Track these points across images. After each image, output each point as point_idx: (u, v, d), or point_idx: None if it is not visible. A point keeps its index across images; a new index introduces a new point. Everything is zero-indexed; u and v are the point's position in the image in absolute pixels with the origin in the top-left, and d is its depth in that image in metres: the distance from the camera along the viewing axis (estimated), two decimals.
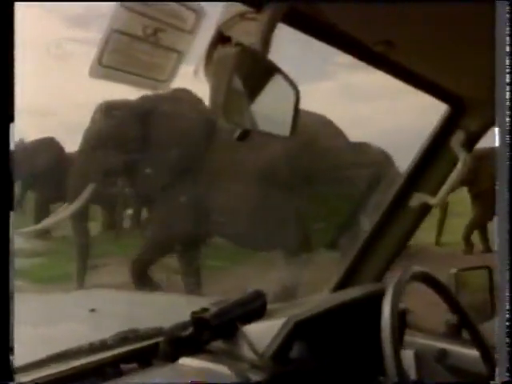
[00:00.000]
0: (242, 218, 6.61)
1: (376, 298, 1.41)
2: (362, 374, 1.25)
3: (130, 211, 9.48)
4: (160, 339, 1.20)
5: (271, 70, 0.75)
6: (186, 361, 1.11)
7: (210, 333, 1.15)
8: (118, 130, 6.73)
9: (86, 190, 6.58)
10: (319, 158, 7.00)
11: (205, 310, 1.18)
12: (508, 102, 0.72)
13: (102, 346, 1.18)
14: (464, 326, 1.34)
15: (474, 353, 1.32)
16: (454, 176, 1.54)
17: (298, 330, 1.12)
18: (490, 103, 1.47)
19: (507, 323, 0.70)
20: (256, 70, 0.72)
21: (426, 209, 1.64)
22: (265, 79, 0.74)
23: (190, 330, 1.17)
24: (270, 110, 0.79)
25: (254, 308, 1.23)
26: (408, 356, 1.12)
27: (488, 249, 9.73)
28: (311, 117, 6.85)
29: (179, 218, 6.54)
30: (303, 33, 0.90)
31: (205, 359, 1.11)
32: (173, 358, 1.14)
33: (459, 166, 1.52)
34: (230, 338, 1.14)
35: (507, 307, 0.71)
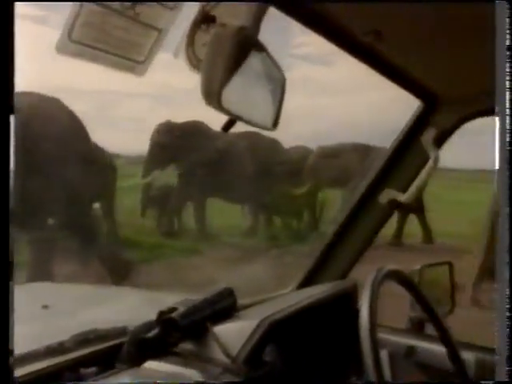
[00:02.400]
0: None
1: (347, 296, 1.39)
2: (335, 374, 1.22)
3: None
4: (124, 340, 1.12)
5: (262, 55, 0.69)
6: (152, 364, 1.04)
7: (178, 334, 1.08)
8: None
9: None
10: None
11: (173, 309, 1.11)
12: (508, 103, 0.71)
13: (60, 348, 1.10)
14: (432, 322, 1.34)
15: (440, 349, 1.33)
16: (424, 173, 1.53)
17: (272, 332, 1.08)
18: (463, 101, 1.50)
19: (507, 323, 0.70)
20: (249, 54, 0.66)
21: (395, 206, 1.64)
22: (256, 64, 0.68)
23: (157, 330, 1.10)
24: (258, 98, 0.73)
25: (224, 306, 1.18)
26: (382, 356, 1.10)
27: (429, 239, 10.05)
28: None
29: None
30: (293, 19, 0.85)
31: (173, 362, 1.04)
32: (138, 360, 1.06)
33: (429, 163, 1.52)
34: (200, 339, 1.08)
35: (507, 307, 0.70)
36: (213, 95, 0.62)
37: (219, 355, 1.03)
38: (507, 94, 0.71)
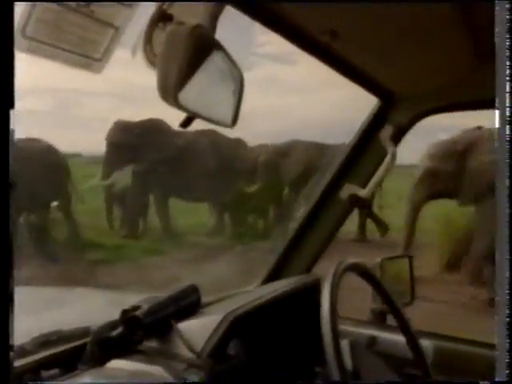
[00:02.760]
0: None
1: (310, 290, 1.41)
2: (299, 366, 1.25)
3: None
4: (87, 341, 1.11)
5: (219, 53, 0.70)
6: (116, 363, 1.03)
7: (142, 332, 1.08)
8: None
9: None
10: None
11: (136, 307, 1.10)
12: (508, 106, 0.71)
13: (20, 351, 1.07)
14: (392, 313, 1.38)
15: (400, 338, 1.37)
16: (382, 168, 1.58)
17: (236, 326, 1.09)
18: (418, 98, 1.55)
19: (507, 323, 0.71)
20: (205, 52, 0.66)
21: (356, 200, 1.68)
22: (213, 62, 0.69)
23: (120, 329, 1.09)
24: (215, 95, 0.74)
25: (189, 303, 1.18)
26: (344, 345, 1.13)
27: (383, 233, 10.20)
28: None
29: None
30: (250, 18, 0.86)
31: (137, 360, 1.04)
32: (101, 360, 1.05)
33: (387, 158, 1.57)
34: (164, 336, 1.08)
35: (507, 307, 0.71)
36: (168, 92, 0.63)
37: (184, 351, 1.03)
38: (507, 96, 0.71)
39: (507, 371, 0.71)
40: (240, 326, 1.12)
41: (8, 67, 0.66)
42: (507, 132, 0.71)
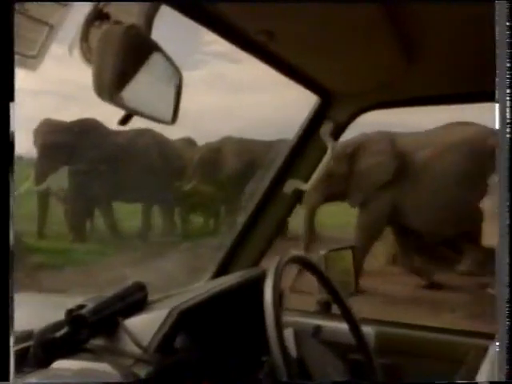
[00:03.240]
0: None
1: (255, 282, 1.45)
2: (246, 356, 1.28)
3: None
4: (30, 343, 1.09)
5: (155, 52, 0.72)
6: (61, 363, 1.02)
7: (87, 330, 1.07)
8: None
9: None
10: None
11: (81, 306, 1.10)
12: (508, 106, 0.71)
13: None
14: (336, 302, 1.44)
15: (344, 326, 1.43)
16: (323, 163, 1.64)
17: (182, 320, 1.11)
18: (355, 96, 1.62)
19: (507, 323, 0.71)
20: (141, 51, 0.68)
21: (298, 194, 1.73)
22: (149, 61, 0.70)
23: (65, 329, 1.08)
24: (154, 93, 0.76)
25: (135, 300, 1.18)
26: (288, 334, 1.17)
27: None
28: None
29: None
30: (187, 17, 0.88)
31: (84, 359, 1.03)
32: (46, 362, 1.04)
33: (328, 153, 1.63)
34: (111, 333, 1.08)
35: (507, 307, 0.71)
36: (103, 90, 0.64)
37: (131, 347, 1.03)
38: (507, 99, 0.71)
39: (507, 371, 0.71)
40: (187, 320, 1.13)
41: (8, 61, 0.66)
42: (507, 131, 0.71)
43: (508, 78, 0.71)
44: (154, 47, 0.71)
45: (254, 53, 1.17)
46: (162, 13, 0.85)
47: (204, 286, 1.54)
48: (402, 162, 6.71)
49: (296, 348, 1.16)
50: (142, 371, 0.98)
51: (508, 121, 0.71)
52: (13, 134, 0.70)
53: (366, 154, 6.89)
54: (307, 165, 1.70)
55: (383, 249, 7.75)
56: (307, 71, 1.40)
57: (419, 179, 6.57)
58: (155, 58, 0.72)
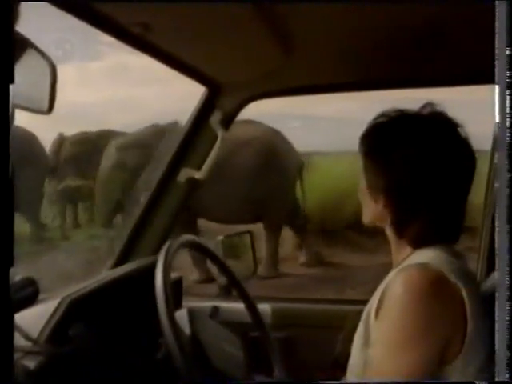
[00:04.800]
0: None
1: (150, 269, 1.48)
2: (144, 341, 1.30)
3: None
4: None
5: (24, 45, 0.72)
6: None
7: None
8: None
9: None
10: None
11: None
12: (508, 107, 0.72)
13: None
14: (232, 285, 1.51)
15: (240, 306, 1.50)
16: (214, 151, 1.70)
17: (75, 309, 1.11)
18: (241, 86, 1.69)
19: (507, 323, 0.71)
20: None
21: (193, 183, 1.78)
22: (19, 54, 0.71)
23: None
24: (28, 85, 0.76)
25: (25, 296, 1.16)
26: (182, 315, 1.21)
27: None
28: None
29: None
30: (59, 9, 0.88)
31: None
32: None
33: (218, 142, 1.69)
34: None
35: (507, 307, 0.71)
36: None
37: (20, 341, 1.02)
38: (507, 99, 0.71)
39: (507, 371, 0.72)
40: (80, 309, 1.14)
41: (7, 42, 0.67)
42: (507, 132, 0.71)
43: (508, 78, 0.71)
44: (24, 41, 0.71)
45: (136, 45, 1.18)
46: None
47: (98, 277, 1.54)
48: None
49: (190, 327, 1.20)
50: (32, 363, 0.98)
51: (508, 124, 0.71)
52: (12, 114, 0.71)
53: None
54: (199, 153, 1.74)
55: (289, 236, 8.08)
56: (192, 62, 1.44)
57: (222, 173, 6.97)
58: (26, 52, 0.72)
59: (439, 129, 1.07)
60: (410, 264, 1.00)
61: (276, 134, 7.53)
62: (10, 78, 0.71)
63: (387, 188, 1.07)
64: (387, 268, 1.18)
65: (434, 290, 0.93)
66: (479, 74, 1.21)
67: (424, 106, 1.11)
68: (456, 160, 1.05)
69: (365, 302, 1.73)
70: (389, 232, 1.13)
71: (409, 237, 1.08)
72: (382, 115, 1.12)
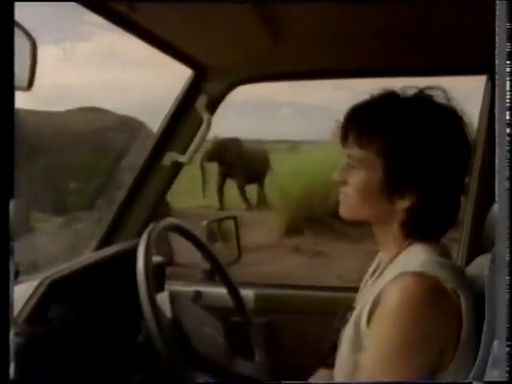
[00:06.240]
0: None
1: (132, 252, 1.47)
2: (124, 324, 1.30)
3: None
4: None
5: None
6: None
7: None
8: None
9: None
10: None
11: None
12: (508, 107, 0.71)
13: None
14: (215, 270, 1.50)
15: (223, 291, 1.51)
16: (199, 135, 1.69)
17: (55, 290, 1.10)
18: (227, 70, 1.67)
19: (507, 323, 0.71)
20: None
21: (177, 166, 1.77)
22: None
23: None
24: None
25: None
26: (163, 297, 1.21)
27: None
28: None
29: None
30: None
31: None
32: None
33: (203, 126, 1.68)
34: None
35: (507, 307, 0.71)
36: None
37: None
38: (507, 99, 0.71)
39: (507, 371, 0.71)
40: (60, 290, 1.13)
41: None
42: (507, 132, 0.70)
43: (508, 77, 0.70)
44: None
45: (119, 24, 1.16)
46: None
47: (80, 259, 1.53)
48: None
49: (171, 310, 1.19)
50: (11, 344, 0.97)
51: (507, 121, 0.71)
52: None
53: None
54: (184, 137, 1.72)
55: (275, 222, 8.11)
56: (178, 45, 1.42)
57: None
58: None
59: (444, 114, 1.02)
60: (404, 272, 0.95)
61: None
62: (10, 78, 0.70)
63: (416, 184, 1.00)
64: (372, 256, 1.18)
65: (431, 300, 0.91)
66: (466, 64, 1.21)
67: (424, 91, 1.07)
68: (455, 145, 1.01)
69: (348, 290, 1.75)
70: (387, 226, 1.06)
71: (408, 228, 1.03)
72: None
